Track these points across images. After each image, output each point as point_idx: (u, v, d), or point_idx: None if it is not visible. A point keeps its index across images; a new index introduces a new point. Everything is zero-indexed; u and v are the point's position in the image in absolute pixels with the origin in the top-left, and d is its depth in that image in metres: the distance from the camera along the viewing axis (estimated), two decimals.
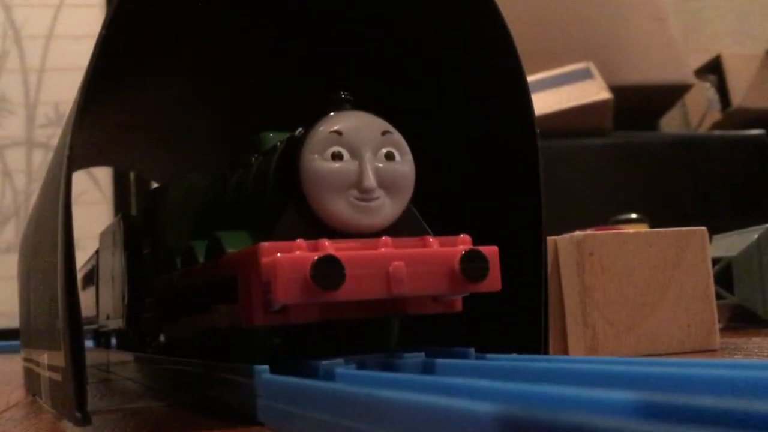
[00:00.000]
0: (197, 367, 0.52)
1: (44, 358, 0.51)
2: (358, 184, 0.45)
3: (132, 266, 0.72)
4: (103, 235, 0.88)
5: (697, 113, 2.29)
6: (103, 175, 2.17)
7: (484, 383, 0.31)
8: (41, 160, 2.24)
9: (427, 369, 0.43)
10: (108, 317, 0.84)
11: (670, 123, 2.25)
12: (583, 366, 0.34)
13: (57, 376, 0.45)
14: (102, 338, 1.14)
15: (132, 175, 2.14)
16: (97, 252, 0.95)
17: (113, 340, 1.05)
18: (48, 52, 2.25)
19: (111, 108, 0.74)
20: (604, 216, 1.36)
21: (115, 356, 1.00)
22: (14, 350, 1.54)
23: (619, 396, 0.22)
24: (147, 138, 0.88)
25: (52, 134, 2.23)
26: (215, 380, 0.49)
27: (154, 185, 2.01)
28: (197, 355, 0.56)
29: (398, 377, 0.38)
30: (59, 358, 0.44)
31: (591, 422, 0.16)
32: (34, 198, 2.17)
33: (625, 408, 0.22)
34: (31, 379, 0.67)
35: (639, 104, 1.90)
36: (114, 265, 0.79)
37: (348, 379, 0.40)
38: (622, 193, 1.71)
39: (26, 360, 0.73)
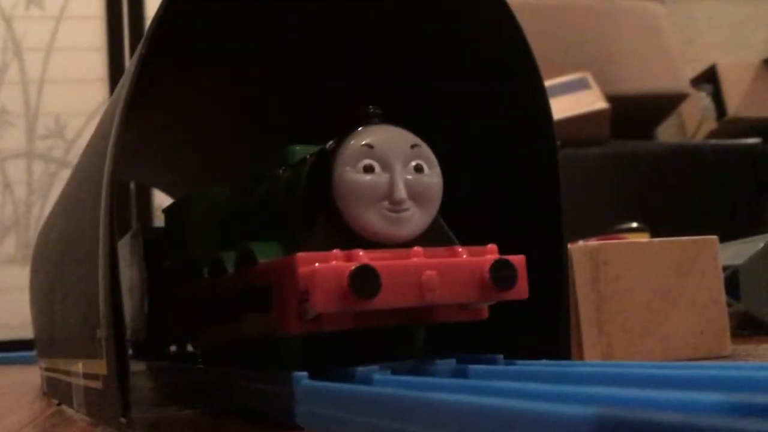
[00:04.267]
0: (230, 375, 0.54)
1: (79, 367, 0.52)
2: (389, 195, 0.47)
3: (152, 277, 0.73)
4: (119, 247, 0.89)
5: (692, 122, 2.31)
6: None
7: (527, 386, 0.32)
8: (41, 171, 2.25)
9: (460, 374, 0.44)
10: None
11: (667, 132, 2.27)
12: (618, 370, 0.36)
13: (96, 384, 0.47)
14: None
15: (132, 186, 2.15)
16: None
17: (129, 351, 1.05)
18: (48, 64, 2.26)
19: (132, 123, 0.75)
20: (601, 224, 1.37)
21: (132, 366, 1.01)
22: (21, 361, 1.55)
23: (701, 396, 0.23)
24: (160, 150, 0.90)
25: (53, 146, 2.23)
26: (248, 387, 0.50)
27: (157, 197, 2.02)
28: (226, 363, 0.57)
29: (435, 381, 0.39)
30: (99, 367, 0.45)
31: (691, 421, 0.17)
32: (35, 210, 2.18)
33: (708, 407, 0.23)
34: (56, 388, 0.68)
35: (635, 114, 1.92)
36: (132, 275, 0.80)
37: (385, 383, 0.41)
38: (619, 202, 1.73)
39: (48, 370, 0.74)
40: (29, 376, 0.99)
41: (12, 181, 2.24)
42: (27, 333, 0.93)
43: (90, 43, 2.24)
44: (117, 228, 0.45)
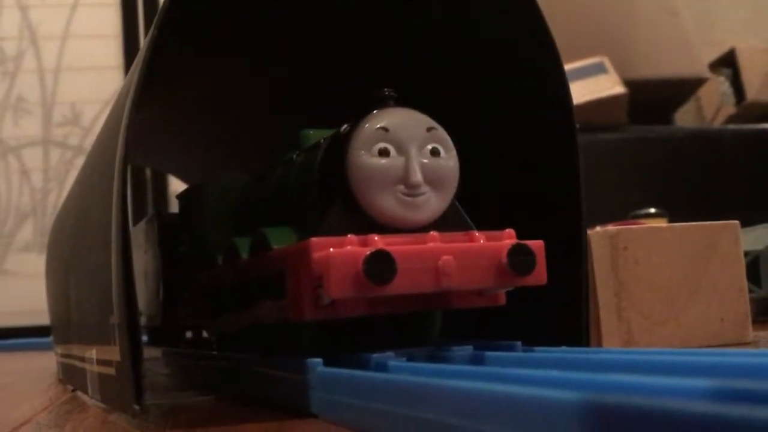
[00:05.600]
0: (245, 362, 0.53)
1: (92, 353, 0.52)
2: (404, 179, 0.46)
3: (167, 263, 0.73)
4: (134, 233, 0.89)
5: (711, 107, 2.29)
6: None
7: (542, 373, 0.31)
8: (58, 158, 2.25)
9: (477, 361, 0.44)
10: (140, 314, 0.85)
11: (685, 117, 2.25)
12: (636, 357, 0.35)
13: (110, 371, 0.46)
14: None
15: (148, 172, 2.15)
16: None
17: (144, 337, 1.06)
18: (64, 51, 2.26)
19: (142, 106, 0.75)
20: (619, 210, 1.36)
21: (146, 352, 1.01)
22: (38, 347, 1.56)
23: (701, 383, 0.22)
24: (176, 136, 0.89)
25: (69, 133, 2.24)
26: (263, 374, 0.49)
27: (172, 183, 2.02)
28: (240, 350, 0.57)
29: (453, 368, 0.38)
30: (113, 353, 0.45)
31: (685, 408, 0.17)
32: (52, 196, 2.19)
33: (705, 394, 0.23)
34: (71, 374, 0.68)
35: (653, 98, 1.90)
36: (147, 261, 0.80)
37: (401, 370, 0.41)
38: (637, 188, 1.72)
39: (64, 356, 0.74)
40: (46, 363, 0.99)
41: (29, 169, 2.25)
42: (45, 319, 0.93)
43: (105, 30, 2.24)
44: (134, 214, 0.44)
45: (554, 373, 0.32)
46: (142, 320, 0.85)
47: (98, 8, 2.26)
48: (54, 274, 0.81)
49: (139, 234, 0.85)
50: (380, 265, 0.41)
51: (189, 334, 0.85)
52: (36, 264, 1.96)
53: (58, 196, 2.18)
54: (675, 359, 0.33)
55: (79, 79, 2.24)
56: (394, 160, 0.46)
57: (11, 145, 2.24)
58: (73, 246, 0.62)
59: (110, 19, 2.23)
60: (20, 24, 2.26)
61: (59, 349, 0.79)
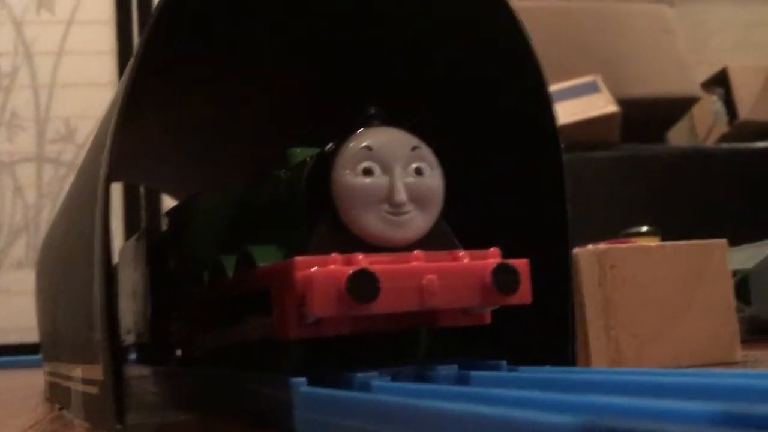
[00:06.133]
0: (230, 380, 0.53)
1: (77, 371, 0.52)
2: (389, 198, 0.46)
3: (156, 281, 0.73)
4: (123, 250, 0.88)
5: (704, 126, 2.29)
6: (113, 191, 2.18)
7: (527, 394, 0.31)
8: (51, 175, 2.25)
9: (462, 381, 0.44)
10: (128, 331, 0.85)
11: (678, 136, 2.25)
12: (622, 377, 0.35)
13: (93, 390, 0.46)
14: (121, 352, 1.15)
15: (142, 189, 2.15)
16: (116, 266, 0.96)
17: (132, 355, 1.05)
18: (59, 68, 2.26)
19: (132, 123, 0.75)
20: (612, 228, 1.36)
21: (135, 370, 1.01)
22: (29, 365, 1.55)
23: (700, 406, 0.22)
24: (166, 154, 0.89)
25: (63, 149, 2.24)
26: (249, 392, 0.49)
27: (165, 200, 2.02)
28: (226, 368, 0.56)
29: (435, 388, 0.38)
30: (96, 372, 0.45)
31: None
32: (45, 213, 2.18)
33: (696, 418, 0.22)
34: (57, 392, 0.68)
35: (646, 117, 1.91)
36: (136, 279, 0.80)
37: (384, 390, 0.40)
38: (630, 206, 1.72)
39: (51, 374, 0.74)
40: (36, 380, 0.98)
41: (22, 185, 2.25)
42: (36, 336, 0.93)
43: (100, 47, 2.24)
44: (126, 231, 0.44)
45: (538, 394, 0.32)
46: (132, 338, 0.85)
47: (93, 25, 2.26)
48: (43, 292, 0.81)
49: (128, 251, 0.85)
50: (363, 284, 0.41)
51: (179, 352, 0.85)
52: (28, 281, 1.95)
53: (52, 212, 2.17)
54: (663, 380, 0.33)
55: (73, 95, 2.24)
56: (379, 179, 0.46)
57: (5, 161, 2.24)
58: (61, 264, 0.62)
59: (105, 36, 2.24)
60: (15, 40, 2.26)
61: (47, 367, 0.79)
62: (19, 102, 2.25)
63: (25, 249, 2.19)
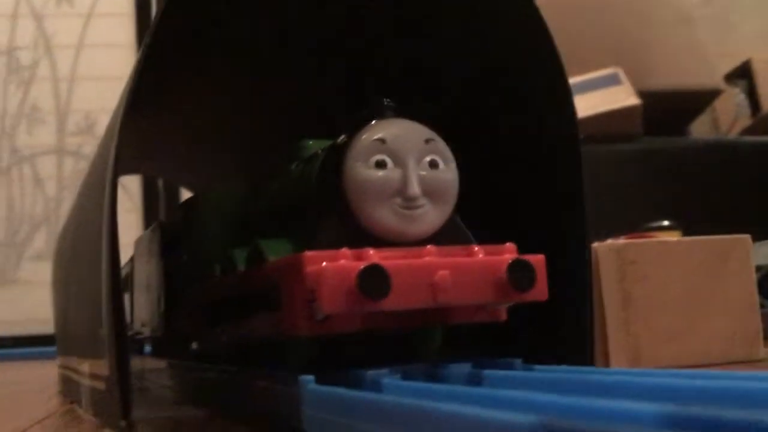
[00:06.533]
0: (239, 376, 0.52)
1: (85, 366, 0.51)
2: (402, 192, 0.45)
3: (169, 274, 0.72)
4: (138, 243, 0.88)
5: (726, 118, 2.26)
6: (132, 183, 2.19)
7: (534, 395, 0.30)
8: (71, 168, 2.26)
9: (474, 380, 0.42)
10: (143, 324, 0.85)
11: (700, 128, 2.22)
12: (638, 379, 0.34)
13: (100, 385, 0.45)
14: (136, 345, 1.15)
15: (161, 182, 2.15)
16: (131, 259, 0.95)
17: (147, 348, 1.05)
18: (78, 61, 2.27)
19: (146, 117, 0.74)
20: (633, 222, 1.34)
21: (150, 363, 1.00)
22: (48, 356, 1.56)
23: (655, 408, 0.21)
24: (182, 147, 0.89)
25: (83, 142, 2.25)
26: (258, 389, 0.48)
27: (184, 193, 2.02)
28: (236, 363, 0.56)
29: (445, 388, 0.37)
30: (102, 367, 0.44)
31: None
32: (65, 205, 2.19)
33: (676, 423, 0.21)
34: (69, 386, 0.67)
35: (668, 110, 1.88)
36: (150, 272, 0.79)
37: (394, 389, 0.39)
38: (652, 199, 1.69)
39: (63, 367, 0.74)
40: (52, 373, 0.99)
41: (43, 177, 2.26)
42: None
43: (119, 39, 2.25)
44: (146, 224, 0.44)
45: (553, 397, 0.31)
46: (147, 330, 0.84)
47: (112, 18, 2.27)
48: (57, 285, 0.81)
49: (143, 244, 0.85)
50: (374, 280, 0.40)
51: (195, 345, 0.85)
52: (48, 272, 1.96)
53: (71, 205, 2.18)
54: (681, 383, 0.32)
55: (93, 88, 2.25)
56: (392, 172, 0.45)
57: (25, 154, 2.25)
58: (73, 258, 0.62)
59: (124, 29, 2.24)
60: (35, 33, 2.27)
61: (60, 361, 0.79)
62: (40, 95, 2.26)
63: (45, 241, 2.21)
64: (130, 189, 2.20)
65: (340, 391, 0.38)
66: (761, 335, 0.67)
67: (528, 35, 0.53)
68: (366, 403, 0.35)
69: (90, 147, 2.22)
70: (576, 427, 0.18)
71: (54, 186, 2.26)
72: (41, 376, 1.11)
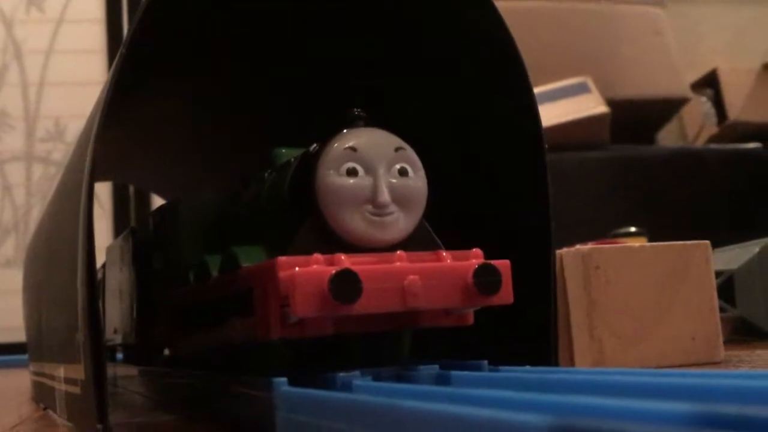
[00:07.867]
0: (212, 381, 0.53)
1: (60, 371, 0.52)
2: (372, 199, 0.46)
3: (142, 280, 0.73)
4: (110, 250, 0.88)
5: (693, 127, 2.30)
6: (103, 190, 2.18)
7: (505, 394, 0.32)
8: (40, 174, 2.24)
9: (443, 381, 0.44)
10: (115, 331, 0.85)
11: (667, 136, 2.26)
12: (603, 378, 0.35)
13: (75, 389, 0.46)
14: (108, 352, 1.14)
15: (131, 189, 2.15)
16: (103, 266, 0.95)
17: (119, 355, 1.05)
18: (48, 66, 2.26)
19: (121, 123, 0.75)
20: (601, 229, 1.37)
21: (122, 370, 1.01)
22: (14, 364, 1.55)
23: (674, 407, 0.23)
24: (155, 153, 0.89)
25: (52, 149, 2.23)
26: (231, 393, 0.49)
27: (155, 200, 2.02)
28: (210, 369, 0.56)
29: (416, 388, 0.39)
30: (78, 371, 0.45)
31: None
32: (34, 212, 2.18)
33: (680, 419, 0.23)
34: (42, 392, 0.68)
35: (636, 118, 1.91)
36: (122, 279, 0.79)
37: (366, 390, 0.40)
38: (620, 206, 1.72)
39: (36, 374, 0.74)
40: (23, 380, 0.98)
41: (11, 184, 2.24)
42: (24, 336, 0.93)
43: (90, 46, 2.24)
44: (116, 231, 0.44)
45: (519, 395, 0.32)
46: (119, 338, 0.84)
47: (83, 24, 2.26)
48: (28, 291, 0.81)
49: (115, 251, 0.85)
50: (346, 285, 0.41)
51: (166, 352, 0.85)
52: (17, 280, 1.95)
53: (41, 212, 2.16)
54: (643, 380, 0.34)
55: (63, 94, 2.23)
56: (362, 180, 0.46)
57: None
58: (46, 264, 0.62)
59: (95, 35, 2.23)
60: (5, 38, 2.25)
61: (33, 367, 0.79)
62: (8, 101, 2.24)
63: (14, 248, 2.19)
64: (101, 195, 2.19)
65: (312, 392, 0.39)
66: (721, 338, 0.69)
67: (493, 43, 0.54)
68: (338, 403, 0.36)
69: (60, 153, 2.21)
70: (576, 425, 0.19)
71: (23, 193, 2.24)
72: (10, 384, 1.11)
